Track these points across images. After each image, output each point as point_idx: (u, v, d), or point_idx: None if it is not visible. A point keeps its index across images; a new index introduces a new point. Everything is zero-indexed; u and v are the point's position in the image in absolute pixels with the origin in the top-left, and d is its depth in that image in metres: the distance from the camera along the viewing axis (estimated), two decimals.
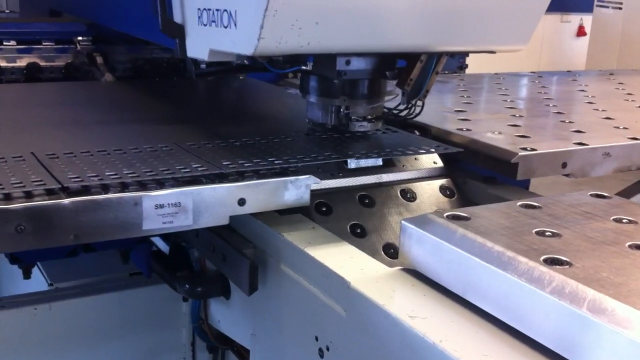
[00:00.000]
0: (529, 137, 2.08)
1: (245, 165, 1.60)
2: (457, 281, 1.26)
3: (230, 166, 1.58)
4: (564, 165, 1.95)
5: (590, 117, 2.51)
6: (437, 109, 2.47)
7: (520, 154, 1.86)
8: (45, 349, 2.11)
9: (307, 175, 1.61)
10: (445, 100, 2.75)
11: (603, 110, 2.61)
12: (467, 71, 3.77)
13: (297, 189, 1.59)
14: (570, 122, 2.38)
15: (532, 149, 1.90)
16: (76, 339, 2.14)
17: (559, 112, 2.57)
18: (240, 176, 1.56)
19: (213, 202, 1.50)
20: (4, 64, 2.86)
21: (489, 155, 1.93)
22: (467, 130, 2.12)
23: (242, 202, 1.53)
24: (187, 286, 1.88)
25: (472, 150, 1.98)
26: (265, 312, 1.70)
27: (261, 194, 1.55)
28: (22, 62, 2.89)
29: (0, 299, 2.21)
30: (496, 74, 3.58)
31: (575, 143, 2.02)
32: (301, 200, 1.61)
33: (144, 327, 2.23)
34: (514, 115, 2.46)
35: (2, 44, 2.88)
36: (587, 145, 2.00)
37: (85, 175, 1.47)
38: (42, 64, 2.92)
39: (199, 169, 1.56)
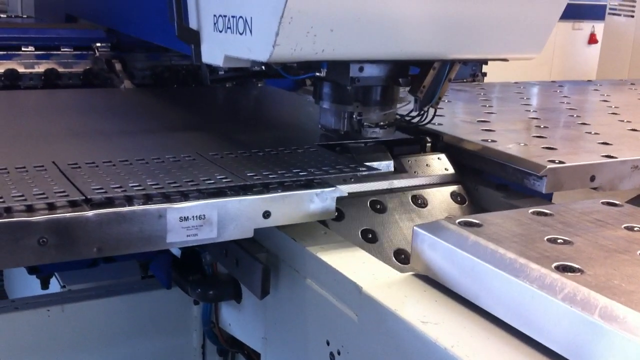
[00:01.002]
0: (555, 149, 2.04)
1: (270, 176, 1.57)
2: (469, 287, 1.26)
3: (255, 177, 1.56)
4: (592, 178, 1.91)
5: (616, 129, 2.46)
6: (460, 119, 2.46)
7: (548, 166, 1.83)
8: (58, 350, 2.12)
9: (333, 188, 1.59)
10: (468, 110, 2.72)
11: (628, 122, 2.58)
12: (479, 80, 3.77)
13: (322, 202, 1.57)
14: (596, 133, 2.34)
15: (561, 162, 1.87)
16: (88, 341, 2.16)
17: (583, 123, 2.53)
18: (265, 188, 1.53)
19: (238, 214, 1.48)
20: (22, 69, 2.88)
21: (516, 168, 1.90)
22: (492, 141, 2.09)
23: (267, 214, 1.51)
24: (199, 290, 1.89)
25: (499, 162, 1.96)
26: (276, 316, 1.71)
27: (286, 206, 1.53)
28: (40, 68, 2.91)
29: (13, 301, 2.23)
30: (516, 83, 3.56)
31: (603, 155, 1.98)
32: (327, 212, 1.58)
33: (156, 329, 2.25)
34: (539, 126, 2.43)
35: (20, 50, 2.90)
36: (616, 157, 1.97)
37: (108, 186, 1.45)
38: (61, 70, 2.93)
39: (223, 180, 1.53)
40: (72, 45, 2.99)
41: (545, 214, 1.44)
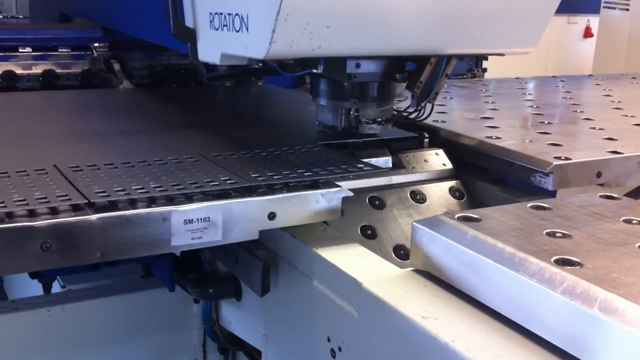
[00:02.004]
0: (561, 145, 2.02)
1: (275, 177, 1.56)
2: (468, 282, 1.27)
3: (259, 179, 1.55)
4: (599, 174, 1.89)
5: (620, 124, 2.45)
6: (463, 115, 2.45)
7: (555, 163, 1.81)
8: (59, 350, 2.12)
9: (339, 188, 1.57)
10: (471, 107, 2.71)
11: (632, 116, 2.56)
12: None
13: (328, 202, 1.56)
14: (600, 129, 2.31)
15: (567, 158, 1.85)
16: (89, 340, 2.16)
17: (587, 119, 2.51)
18: (270, 189, 1.52)
19: (243, 216, 1.46)
20: (19, 71, 2.86)
21: (522, 165, 1.89)
22: (497, 138, 2.07)
23: (272, 216, 1.50)
24: (198, 288, 1.89)
25: (504, 160, 1.94)
26: (277, 313, 1.71)
27: (292, 207, 1.52)
28: (38, 69, 2.89)
29: (13, 301, 2.23)
30: (517, 78, 3.57)
31: (609, 151, 1.97)
32: (332, 212, 1.57)
33: (156, 328, 2.25)
34: (543, 122, 2.41)
35: (17, 51, 2.89)
36: (622, 153, 1.95)
37: (111, 189, 1.43)
38: (59, 70, 2.92)
39: (228, 182, 1.51)
40: (69, 46, 2.98)
41: (544, 208, 1.44)
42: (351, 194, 1.59)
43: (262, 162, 1.69)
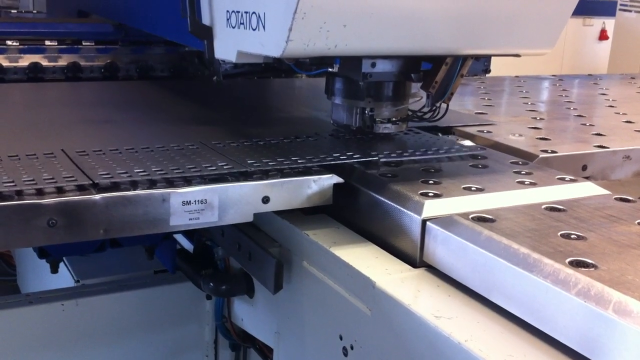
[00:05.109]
0: (549, 139, 2.11)
1: (270, 164, 1.63)
2: (482, 282, 1.27)
3: (255, 164, 1.62)
4: (584, 167, 1.98)
5: (611, 121, 2.54)
6: (458, 111, 2.50)
7: (541, 156, 1.89)
8: (72, 344, 2.14)
9: (330, 175, 1.63)
10: (467, 103, 2.79)
11: (624, 114, 2.64)
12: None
13: (320, 188, 1.62)
14: (590, 125, 2.41)
15: (553, 151, 1.94)
16: (101, 334, 2.17)
17: (579, 115, 2.60)
18: (265, 175, 1.59)
19: (238, 199, 1.54)
20: (45, 63, 2.96)
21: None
22: (488, 132, 2.16)
23: (266, 200, 1.57)
24: (211, 284, 1.90)
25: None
26: (289, 310, 1.72)
27: (285, 192, 1.59)
28: (63, 62, 2.99)
29: (27, 295, 2.25)
30: (517, 77, 3.61)
31: (595, 146, 2.06)
32: (324, 198, 1.63)
33: (168, 324, 2.26)
34: (535, 118, 2.50)
35: (43, 44, 2.98)
36: (608, 148, 2.04)
37: (115, 172, 1.51)
38: (82, 63, 3.03)
39: (225, 167, 1.59)
40: (93, 40, 3.07)
41: (559, 210, 1.44)
42: (342, 180, 1.64)
43: (259, 150, 1.77)
